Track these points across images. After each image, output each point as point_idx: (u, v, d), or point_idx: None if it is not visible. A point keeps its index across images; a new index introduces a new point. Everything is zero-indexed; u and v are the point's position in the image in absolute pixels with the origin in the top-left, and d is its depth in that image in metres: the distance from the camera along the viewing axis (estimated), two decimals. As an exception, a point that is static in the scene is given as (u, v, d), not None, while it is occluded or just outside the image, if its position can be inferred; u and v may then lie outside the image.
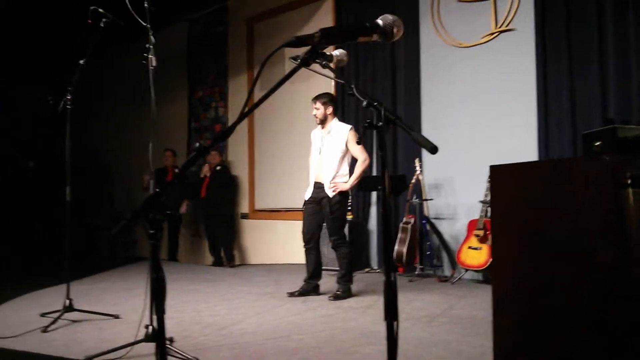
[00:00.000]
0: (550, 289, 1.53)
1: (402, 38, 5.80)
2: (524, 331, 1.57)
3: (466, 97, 5.89)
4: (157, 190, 1.40)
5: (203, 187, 7.68)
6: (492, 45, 5.71)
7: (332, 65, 1.60)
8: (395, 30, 1.37)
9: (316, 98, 4.86)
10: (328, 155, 4.80)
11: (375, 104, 1.36)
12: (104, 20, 3.70)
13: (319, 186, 4.81)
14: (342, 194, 4.76)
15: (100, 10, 3.66)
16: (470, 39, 5.87)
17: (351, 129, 4.80)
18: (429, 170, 6.05)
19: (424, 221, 5.87)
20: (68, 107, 3.94)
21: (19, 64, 9.20)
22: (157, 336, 1.41)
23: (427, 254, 5.86)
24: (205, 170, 7.72)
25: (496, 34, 5.66)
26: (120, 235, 9.07)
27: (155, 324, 2.99)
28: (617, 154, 1.61)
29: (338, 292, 4.73)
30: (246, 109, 1.31)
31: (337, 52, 1.69)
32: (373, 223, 6.77)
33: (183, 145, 9.13)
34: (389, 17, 1.40)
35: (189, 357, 2.97)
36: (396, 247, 5.88)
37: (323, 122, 4.85)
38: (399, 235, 5.90)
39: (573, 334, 1.50)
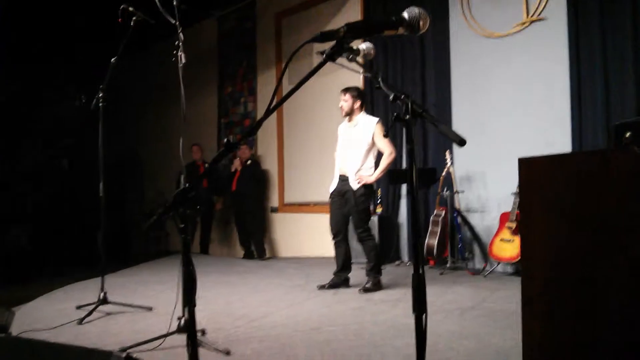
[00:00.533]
0: (580, 282, 1.50)
1: (431, 29, 5.81)
2: (554, 325, 1.55)
3: (497, 88, 5.80)
4: (187, 185, 1.42)
5: (234, 181, 7.76)
6: (524, 35, 5.60)
7: (359, 59, 1.59)
8: (421, 23, 1.36)
9: (345, 90, 4.85)
10: (354, 148, 4.79)
11: (402, 97, 1.36)
12: (134, 18, 3.77)
13: (343, 179, 4.82)
14: (367, 187, 4.74)
15: (131, 8, 3.72)
16: (501, 28, 5.77)
17: (378, 122, 4.77)
18: (460, 162, 5.98)
19: (455, 214, 5.81)
20: (100, 105, 4.03)
21: (52, 63, 9.42)
22: (188, 327, 1.44)
23: (459, 247, 5.81)
24: (237, 165, 7.80)
25: (527, 23, 5.55)
26: (152, 230, 9.25)
27: (186, 315, 3.05)
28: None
29: (367, 285, 4.73)
30: (273, 104, 1.32)
31: (364, 46, 1.68)
32: (403, 216, 6.74)
33: (213, 140, 9.24)
34: (415, 10, 1.39)
35: (220, 348, 3.02)
36: (427, 240, 5.85)
37: (349, 114, 4.84)
38: (430, 228, 5.86)
39: (603, 328, 1.47)
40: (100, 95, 4.07)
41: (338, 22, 7.14)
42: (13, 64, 9.64)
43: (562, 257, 1.54)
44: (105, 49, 4.59)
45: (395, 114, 1.36)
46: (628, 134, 1.60)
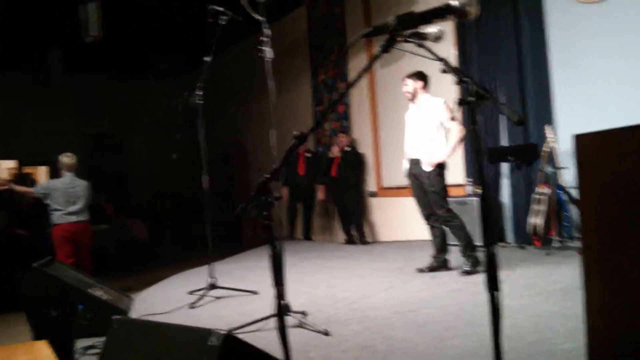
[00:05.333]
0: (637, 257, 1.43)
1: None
2: (615, 298, 1.50)
3: (601, 57, 5.42)
4: (267, 176, 1.53)
5: (333, 167, 7.91)
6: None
7: (428, 42, 1.61)
8: (468, 9, 1.36)
9: (407, 76, 4.87)
10: (422, 129, 4.77)
11: (466, 79, 1.37)
12: (223, 17, 3.96)
13: (415, 162, 4.80)
14: (440, 167, 4.68)
15: (218, 8, 3.91)
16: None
17: (444, 101, 4.72)
18: (563, 136, 5.69)
19: (559, 191, 5.55)
20: (199, 102, 4.29)
21: (161, 63, 10.09)
22: (277, 305, 1.56)
23: (566, 226, 5.55)
24: (335, 151, 7.94)
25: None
26: (239, 218, 9.62)
27: (283, 298, 3.22)
28: None
29: (466, 268, 4.66)
30: (337, 96, 1.39)
31: (433, 29, 1.68)
32: (505, 195, 6.53)
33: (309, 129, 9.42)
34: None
35: (320, 329, 3.16)
36: (530, 220, 5.65)
37: (414, 97, 4.84)
38: (532, 206, 5.65)
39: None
40: (199, 92, 4.34)
41: (427, 2, 7.01)
42: (128, 69, 10.44)
43: (619, 233, 1.48)
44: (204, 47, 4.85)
45: (459, 97, 1.37)
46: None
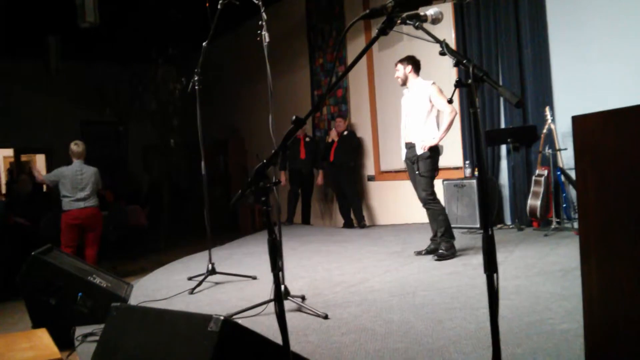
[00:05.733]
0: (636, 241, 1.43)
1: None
2: (611, 281, 1.50)
3: (600, 38, 5.38)
4: (265, 161, 1.52)
5: (331, 152, 7.89)
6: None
7: (427, 25, 1.59)
8: None
9: (397, 61, 4.90)
10: (414, 113, 4.79)
11: (464, 61, 1.36)
12: (220, 2, 3.93)
13: (410, 146, 4.80)
14: (432, 150, 4.67)
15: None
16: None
17: (433, 83, 4.72)
18: (562, 118, 5.67)
19: (558, 172, 5.55)
20: (196, 87, 4.27)
21: (158, 49, 10.01)
22: (275, 290, 1.56)
23: (563, 207, 5.56)
24: (333, 135, 7.91)
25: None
26: (237, 205, 9.61)
27: (283, 282, 3.23)
28: None
29: (441, 251, 4.67)
30: (332, 82, 1.37)
31: (431, 11, 1.66)
32: (505, 177, 6.53)
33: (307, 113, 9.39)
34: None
35: (319, 312, 3.17)
36: (529, 201, 5.66)
37: (405, 82, 4.87)
38: (532, 188, 5.66)
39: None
40: (196, 78, 4.31)
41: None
42: (123, 55, 10.38)
43: (617, 214, 1.47)
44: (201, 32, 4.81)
45: (457, 79, 1.36)
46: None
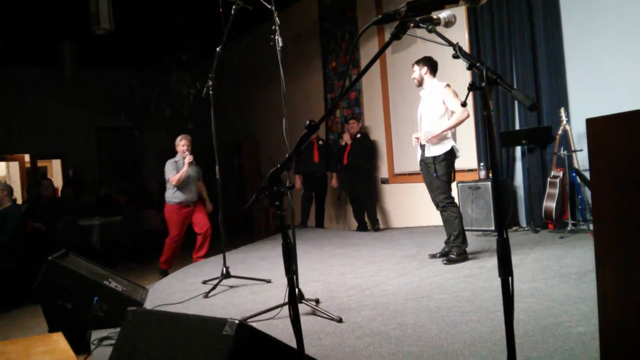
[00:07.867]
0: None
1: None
2: (627, 284, 1.48)
3: (615, 40, 5.31)
4: (278, 166, 1.53)
5: (345, 155, 7.88)
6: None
7: (440, 28, 1.59)
8: None
9: (414, 62, 4.90)
10: (427, 115, 4.78)
11: (477, 64, 1.35)
12: (234, 7, 3.95)
13: (424, 148, 4.78)
14: (447, 153, 4.65)
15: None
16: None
17: (447, 85, 4.71)
18: (577, 119, 5.62)
19: (574, 174, 5.50)
20: (211, 92, 4.29)
21: (172, 54, 10.10)
22: (289, 294, 1.57)
23: (579, 208, 5.51)
24: (347, 139, 7.91)
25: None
26: (250, 209, 9.63)
27: (297, 286, 3.23)
28: None
29: (452, 256, 4.65)
30: (346, 86, 1.38)
31: (444, 14, 1.66)
32: (519, 179, 6.48)
33: (321, 116, 9.40)
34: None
35: (333, 316, 3.17)
36: (545, 203, 5.62)
37: (421, 84, 4.87)
38: (548, 190, 5.61)
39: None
40: (210, 83, 4.34)
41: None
42: (138, 61, 10.47)
43: (633, 217, 1.45)
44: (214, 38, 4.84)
45: (470, 82, 1.36)
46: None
